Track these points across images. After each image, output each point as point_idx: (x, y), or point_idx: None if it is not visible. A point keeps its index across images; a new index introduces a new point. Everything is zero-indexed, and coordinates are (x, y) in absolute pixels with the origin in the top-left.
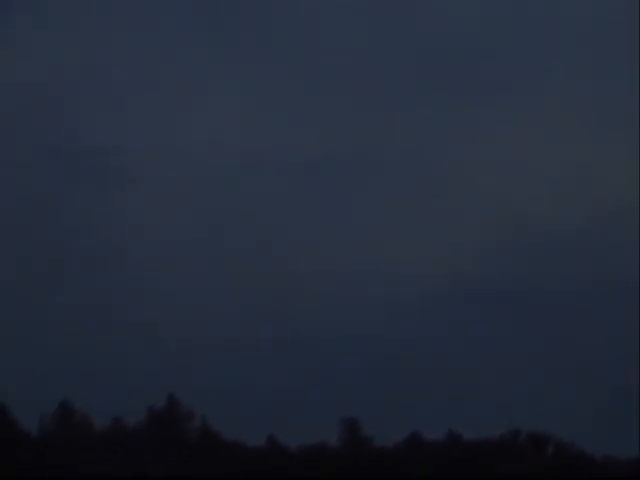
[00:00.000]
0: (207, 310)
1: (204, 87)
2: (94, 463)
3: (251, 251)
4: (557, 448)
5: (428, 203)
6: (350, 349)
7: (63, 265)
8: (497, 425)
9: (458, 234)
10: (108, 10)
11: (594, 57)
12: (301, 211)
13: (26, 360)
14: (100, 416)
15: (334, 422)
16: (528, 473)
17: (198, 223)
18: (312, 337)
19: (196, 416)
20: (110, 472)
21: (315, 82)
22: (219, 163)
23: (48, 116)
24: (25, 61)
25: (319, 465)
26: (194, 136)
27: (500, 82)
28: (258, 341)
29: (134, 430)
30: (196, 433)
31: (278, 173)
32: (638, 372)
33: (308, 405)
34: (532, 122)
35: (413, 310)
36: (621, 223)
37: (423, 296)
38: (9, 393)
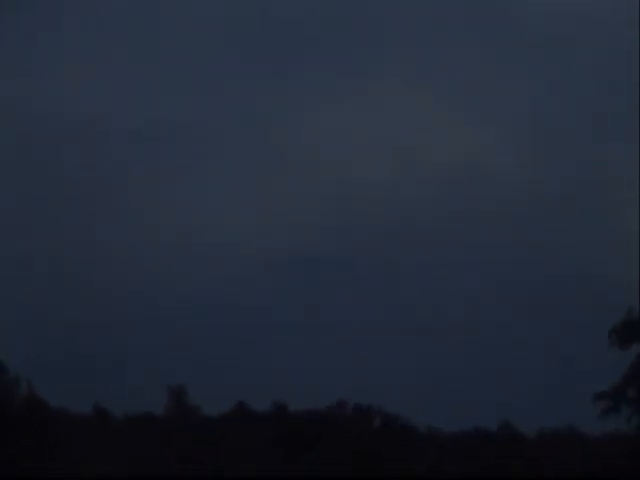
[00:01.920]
0: None
1: None
2: None
3: None
4: (383, 419)
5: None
6: (183, 318)
7: None
8: (324, 397)
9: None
10: None
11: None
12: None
13: None
14: None
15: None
16: (354, 443)
17: None
18: (144, 304)
19: (22, 382)
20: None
21: None
22: None
23: None
24: None
25: (145, 434)
26: None
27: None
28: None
29: None
30: (22, 399)
31: None
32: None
33: (137, 373)
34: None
35: (250, 279)
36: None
37: (261, 266)
38: None
